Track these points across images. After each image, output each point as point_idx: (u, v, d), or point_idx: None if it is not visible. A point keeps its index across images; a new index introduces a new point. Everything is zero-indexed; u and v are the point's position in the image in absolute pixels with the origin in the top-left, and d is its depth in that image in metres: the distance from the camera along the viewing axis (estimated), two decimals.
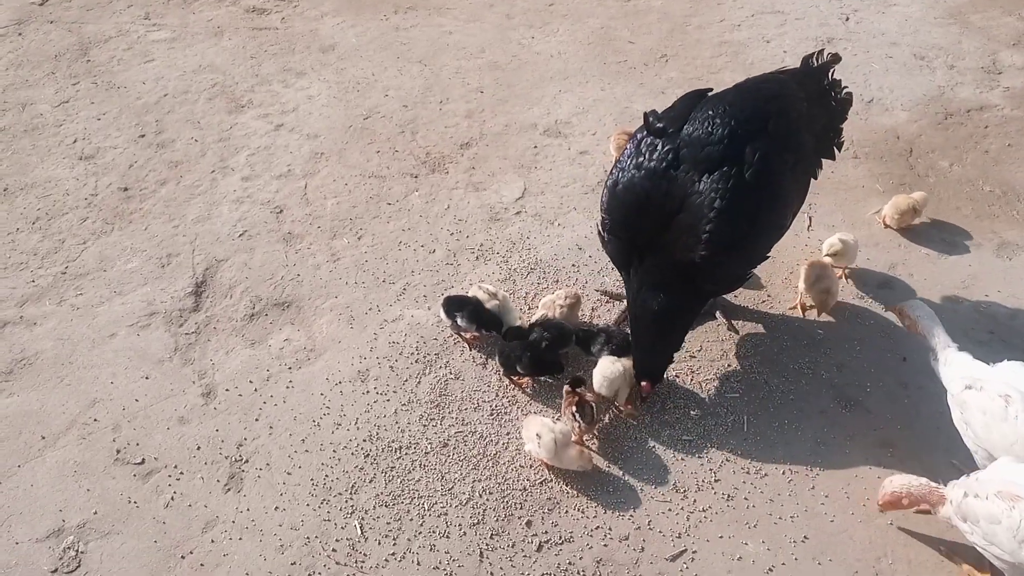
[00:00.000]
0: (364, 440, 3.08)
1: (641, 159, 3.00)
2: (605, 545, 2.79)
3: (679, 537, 2.82)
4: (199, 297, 3.65)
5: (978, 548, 2.52)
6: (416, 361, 3.36)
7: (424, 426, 3.13)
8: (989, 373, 2.71)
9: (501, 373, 3.26)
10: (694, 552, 2.78)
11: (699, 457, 3.05)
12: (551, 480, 2.96)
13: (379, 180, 4.26)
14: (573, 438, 2.96)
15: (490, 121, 4.67)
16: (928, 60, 5.17)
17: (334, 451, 3.05)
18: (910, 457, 3.04)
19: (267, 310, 3.59)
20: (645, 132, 3.09)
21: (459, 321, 3.32)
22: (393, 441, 3.08)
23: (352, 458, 3.03)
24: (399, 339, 3.45)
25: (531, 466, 3.00)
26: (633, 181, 2.98)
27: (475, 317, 3.31)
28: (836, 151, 3.49)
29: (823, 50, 3.49)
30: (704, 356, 3.39)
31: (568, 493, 2.93)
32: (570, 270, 3.77)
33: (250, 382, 3.29)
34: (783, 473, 3.00)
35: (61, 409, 3.19)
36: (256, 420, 3.15)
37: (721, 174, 2.89)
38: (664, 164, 2.95)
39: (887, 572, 2.73)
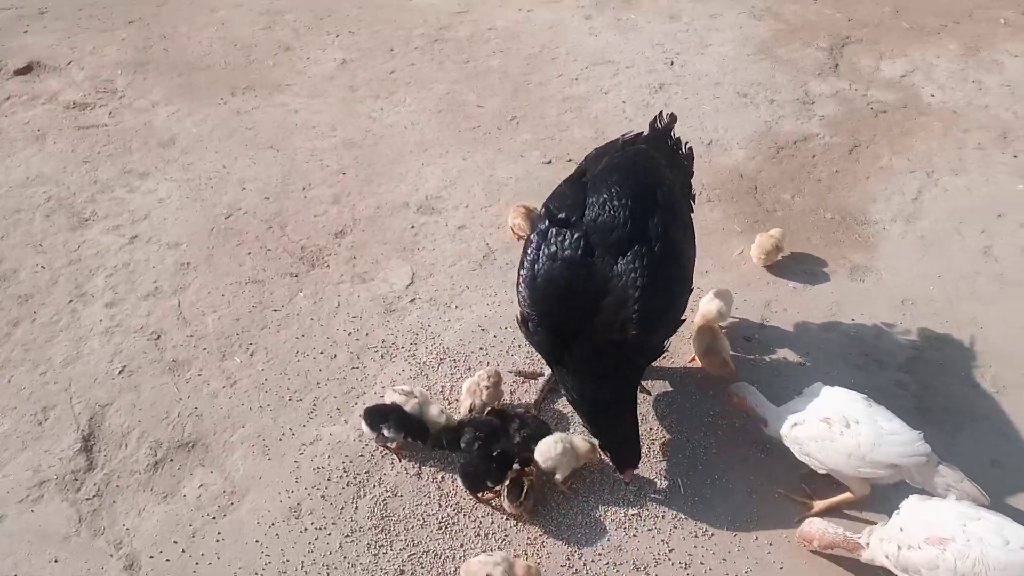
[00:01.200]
0: None
1: (554, 249, 3.06)
2: None
3: None
4: (91, 453, 3.32)
5: None
6: (348, 484, 3.24)
7: (375, 555, 3.02)
8: (803, 404, 3.09)
9: (468, 492, 3.18)
10: None
11: (649, 530, 3.15)
12: None
13: (258, 285, 4.06)
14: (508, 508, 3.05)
15: (359, 204, 4.58)
16: (751, 96, 5.61)
17: None
18: (831, 490, 3.29)
19: (171, 455, 3.33)
20: (547, 223, 3.15)
21: (385, 432, 3.23)
22: None
23: None
24: (323, 463, 3.30)
25: None
26: (552, 272, 3.04)
27: (401, 425, 3.23)
28: (692, 204, 3.68)
29: (662, 112, 3.67)
30: None
31: None
32: (479, 354, 3.77)
33: (175, 543, 3.04)
34: (727, 529, 3.16)
35: None
36: None
37: (634, 254, 3.02)
38: (579, 252, 3.03)
39: None
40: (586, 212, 3.11)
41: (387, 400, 3.37)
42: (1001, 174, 5.02)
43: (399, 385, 3.46)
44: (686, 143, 3.71)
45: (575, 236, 3.05)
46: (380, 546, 3.04)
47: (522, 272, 3.14)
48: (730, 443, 3.47)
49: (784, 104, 5.55)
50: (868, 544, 2.86)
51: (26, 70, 5.53)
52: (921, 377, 3.79)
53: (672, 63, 5.91)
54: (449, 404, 3.53)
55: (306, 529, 3.09)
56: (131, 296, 3.97)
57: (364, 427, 3.27)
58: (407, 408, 3.30)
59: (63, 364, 3.64)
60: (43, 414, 3.44)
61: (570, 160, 4.96)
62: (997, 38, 6.25)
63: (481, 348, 3.78)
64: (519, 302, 3.16)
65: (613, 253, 3.02)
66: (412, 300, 4.01)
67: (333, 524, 3.10)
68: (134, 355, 3.69)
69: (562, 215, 3.13)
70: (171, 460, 3.31)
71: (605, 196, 3.12)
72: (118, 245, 4.23)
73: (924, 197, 4.84)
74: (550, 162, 4.94)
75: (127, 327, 3.82)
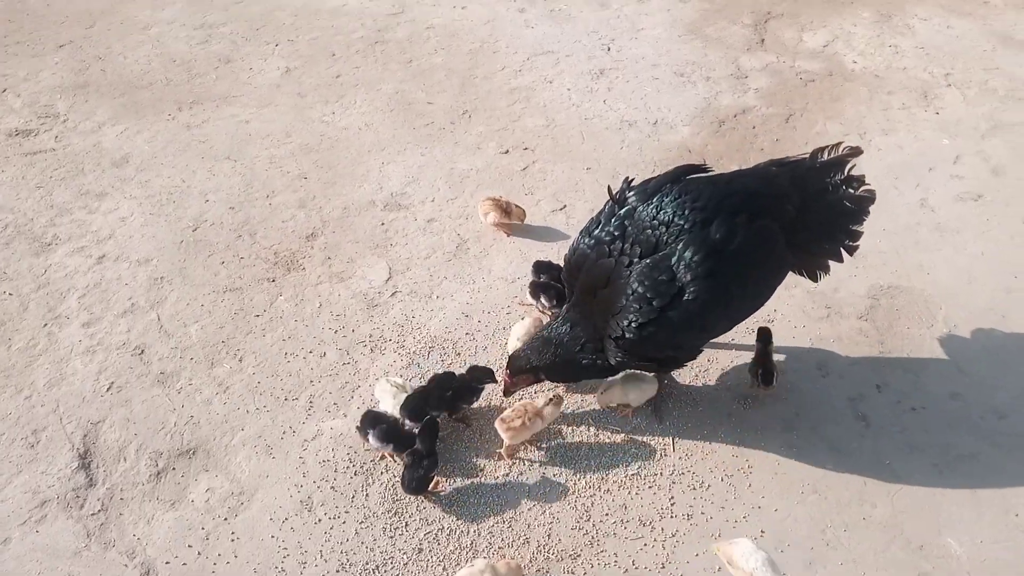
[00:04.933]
0: (337, 571, 2.99)
1: (595, 227, 3.24)
2: None
3: (663, 568, 3.04)
4: (89, 470, 3.30)
5: None
6: (355, 474, 3.30)
7: (391, 537, 3.09)
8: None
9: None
10: None
11: (650, 487, 3.29)
12: (537, 555, 3.05)
13: (236, 293, 4.08)
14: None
15: (326, 207, 4.62)
16: (687, 75, 5.84)
17: None
18: (813, 432, 3.48)
19: (173, 463, 3.33)
20: (612, 201, 3.29)
21: (371, 439, 3.26)
22: (367, 563, 3.02)
23: None
24: (328, 456, 3.35)
25: (512, 545, 3.07)
26: (579, 246, 3.26)
27: (389, 437, 3.26)
28: (847, 254, 3.40)
29: (840, 144, 3.38)
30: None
31: (553, 557, 3.04)
32: (466, 340, 3.86)
33: (189, 546, 3.05)
34: (722, 480, 3.33)
35: None
36: None
37: (653, 261, 3.05)
38: (608, 237, 3.17)
39: (833, 540, 3.14)
40: (645, 202, 3.17)
41: (377, 392, 3.43)
42: (926, 130, 5.34)
43: (392, 377, 3.52)
44: (866, 185, 3.34)
45: (614, 223, 3.17)
46: (395, 528, 3.11)
47: (584, 227, 3.31)
48: (715, 400, 3.64)
49: (719, 80, 5.78)
50: None
51: None
52: (880, 324, 4.03)
53: (609, 49, 6.10)
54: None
55: (320, 520, 3.13)
56: (108, 314, 3.93)
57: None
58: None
59: (47, 387, 3.60)
60: (34, 437, 3.40)
61: (526, 148, 5.10)
62: (906, 3, 6.62)
63: (467, 334, 3.87)
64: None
65: (637, 251, 3.09)
66: (393, 294, 4.08)
67: (346, 512, 3.16)
68: (120, 371, 3.67)
69: (629, 196, 3.23)
70: (173, 468, 3.31)
71: (669, 194, 3.13)
72: (86, 266, 4.18)
73: (860, 157, 5.12)
74: (507, 151, 5.06)
75: (108, 344, 3.79)
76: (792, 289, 4.19)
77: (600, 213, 3.30)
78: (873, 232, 4.51)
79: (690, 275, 3.00)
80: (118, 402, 3.54)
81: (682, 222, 3.05)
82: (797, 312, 4.08)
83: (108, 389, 3.59)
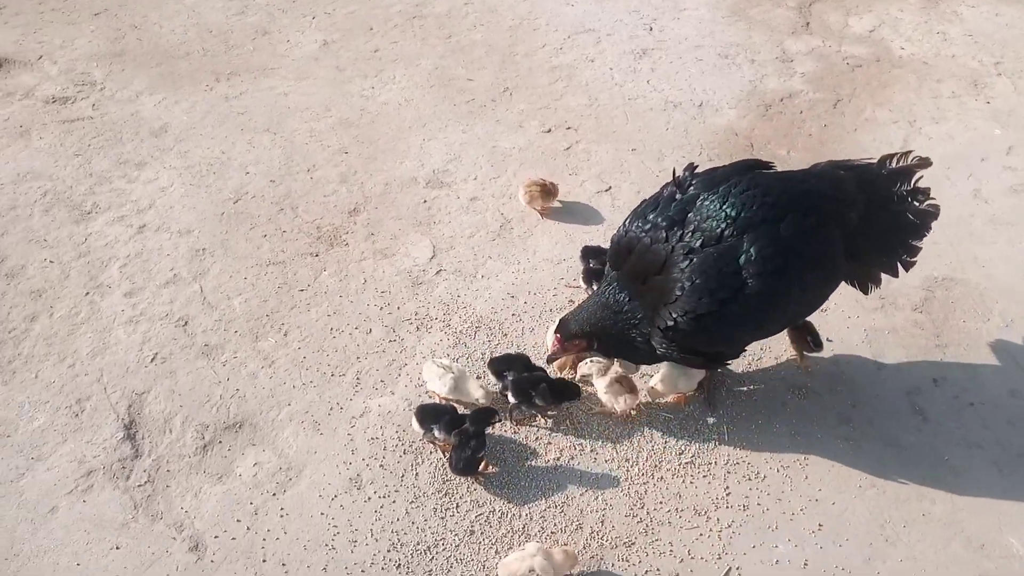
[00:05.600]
0: (388, 551, 2.94)
1: (649, 211, 3.08)
2: None
3: (719, 558, 2.98)
4: (135, 441, 3.25)
5: None
6: (404, 453, 3.24)
7: (442, 518, 3.04)
8: None
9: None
10: (738, 569, 2.95)
11: (704, 476, 3.22)
12: (591, 542, 2.99)
13: (280, 267, 4.01)
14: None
15: (368, 182, 4.54)
16: (732, 58, 5.72)
17: (362, 571, 2.88)
18: (870, 425, 3.40)
19: (220, 436, 3.28)
20: (674, 185, 3.14)
21: (436, 432, 3.17)
22: (419, 543, 2.96)
23: (384, 573, 2.87)
24: (376, 433, 3.30)
25: (565, 530, 3.01)
26: (630, 230, 3.09)
27: (452, 426, 3.16)
28: (902, 269, 3.30)
29: (909, 152, 3.29)
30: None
31: (607, 544, 2.98)
32: (512, 321, 3.79)
33: (238, 521, 3.00)
34: (778, 471, 3.26)
35: None
36: (264, 561, 2.89)
37: (706, 255, 2.91)
38: (665, 222, 3.00)
39: (893, 535, 3.07)
40: (710, 191, 3.02)
41: (424, 373, 3.37)
42: (977, 120, 5.22)
43: (439, 358, 3.45)
44: (931, 199, 3.25)
45: (674, 208, 3.01)
46: (446, 509, 3.06)
47: (636, 209, 3.16)
48: (769, 390, 3.56)
49: (765, 63, 5.66)
50: None
51: None
52: (935, 316, 3.94)
53: (651, 28, 5.98)
54: (484, 373, 3.53)
55: (369, 498, 3.08)
56: (150, 284, 3.88)
57: (415, 424, 3.22)
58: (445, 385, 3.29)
59: (90, 356, 3.55)
60: (78, 406, 3.35)
61: (569, 128, 5.00)
62: None
63: (514, 315, 3.81)
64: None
65: (699, 240, 2.93)
66: (438, 272, 4.01)
67: (396, 492, 3.10)
68: (164, 342, 3.61)
69: (691, 183, 3.09)
70: (220, 442, 3.26)
71: (737, 187, 2.99)
72: (127, 235, 4.12)
73: (910, 146, 4.99)
74: (549, 131, 4.97)
75: (151, 315, 3.73)
76: None
77: (656, 196, 3.15)
78: None
79: (757, 270, 2.89)
80: (162, 373, 3.49)
81: (751, 216, 2.92)
82: (851, 302, 3.99)
83: (152, 360, 3.54)
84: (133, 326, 3.68)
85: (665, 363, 3.29)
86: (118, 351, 3.57)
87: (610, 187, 4.57)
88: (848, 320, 3.87)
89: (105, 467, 3.15)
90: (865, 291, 3.39)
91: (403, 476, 3.15)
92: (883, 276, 3.40)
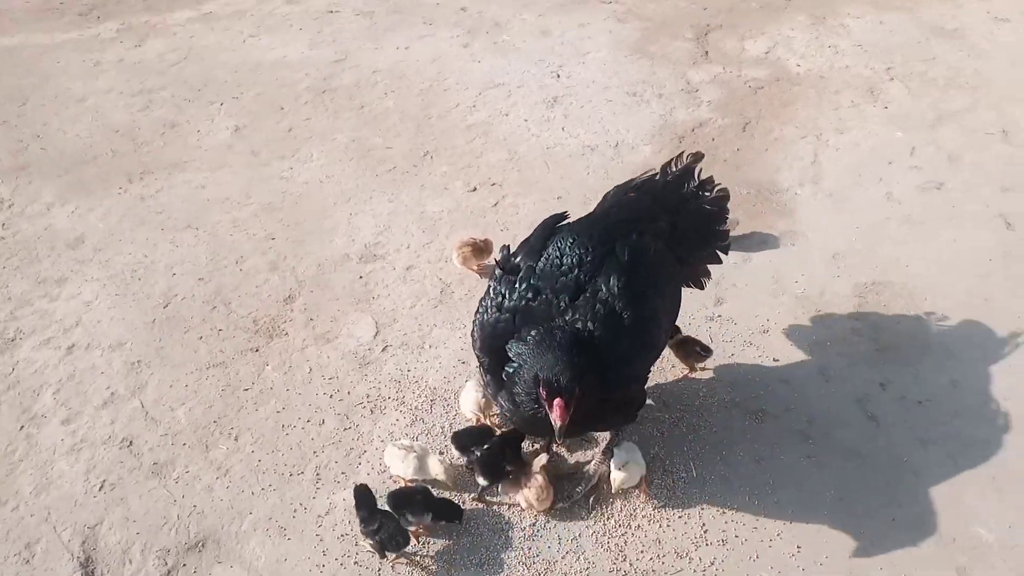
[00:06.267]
0: None
1: (501, 299, 3.03)
2: None
3: None
4: None
5: None
6: None
7: None
8: None
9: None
10: None
11: (680, 517, 3.24)
12: None
13: (220, 368, 3.91)
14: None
15: (299, 267, 4.48)
16: (639, 95, 5.87)
17: None
18: (828, 439, 3.47)
19: (183, 559, 3.15)
20: (500, 270, 3.14)
21: (409, 517, 3.10)
22: None
23: None
24: (346, 529, 3.22)
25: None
26: (498, 324, 3.00)
27: (427, 507, 3.11)
28: (722, 255, 3.54)
29: (682, 153, 3.53)
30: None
31: None
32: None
33: None
34: (748, 499, 3.30)
35: None
36: None
37: (584, 300, 2.95)
38: (524, 302, 2.99)
39: (868, 546, 3.13)
40: (540, 259, 3.08)
41: (386, 459, 3.31)
42: (878, 125, 5.47)
43: (399, 440, 3.40)
44: (717, 184, 3.49)
45: (522, 286, 3.01)
46: None
47: (476, 317, 3.13)
48: (727, 419, 3.61)
49: (672, 96, 5.83)
50: None
51: None
52: (871, 321, 4.07)
53: (558, 76, 6.10)
54: (445, 440, 3.50)
55: None
56: (87, 407, 3.73)
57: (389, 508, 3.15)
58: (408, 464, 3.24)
59: (34, 494, 3.38)
60: (28, 551, 3.18)
61: (493, 184, 5.05)
62: (837, 4, 6.80)
63: (468, 381, 3.77)
64: (472, 345, 3.14)
65: (565, 298, 2.95)
66: (384, 349, 3.97)
67: None
68: (110, 467, 3.47)
69: (515, 260, 3.12)
70: (184, 565, 3.13)
71: (563, 243, 3.09)
72: (56, 358, 3.97)
73: (820, 159, 5.21)
74: (475, 189, 5.00)
75: (93, 440, 3.59)
76: (780, 297, 4.22)
77: (494, 290, 3.08)
78: (846, 229, 4.60)
79: (622, 301, 2.94)
80: (113, 501, 3.35)
81: (592, 257, 3.01)
82: (789, 319, 4.09)
83: (100, 488, 3.39)
84: (75, 455, 3.53)
85: (614, 457, 3.25)
86: (63, 484, 3.41)
87: None
88: (790, 336, 3.97)
89: None
90: (701, 287, 3.57)
91: (379, 570, 3.08)
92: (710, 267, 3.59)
